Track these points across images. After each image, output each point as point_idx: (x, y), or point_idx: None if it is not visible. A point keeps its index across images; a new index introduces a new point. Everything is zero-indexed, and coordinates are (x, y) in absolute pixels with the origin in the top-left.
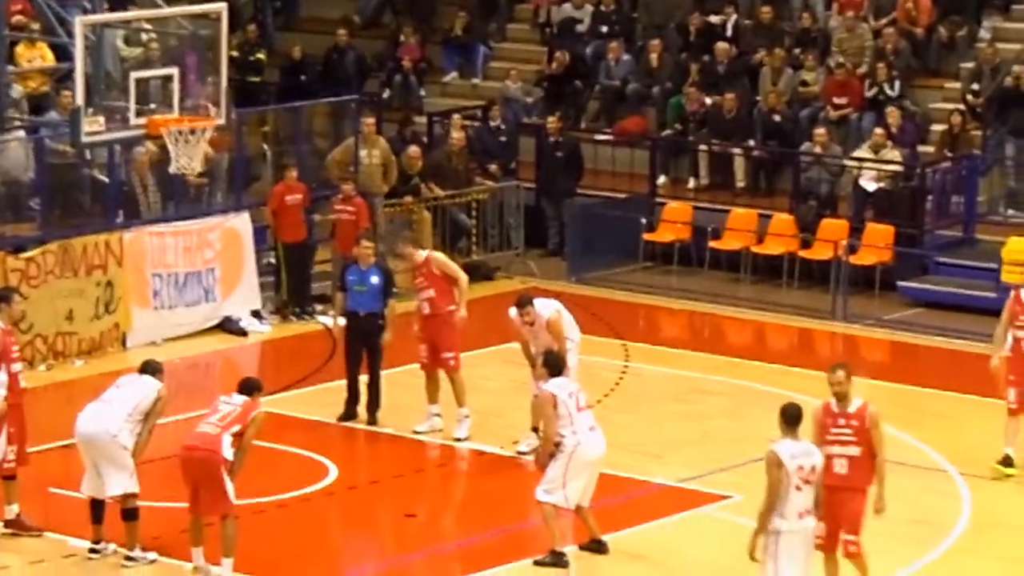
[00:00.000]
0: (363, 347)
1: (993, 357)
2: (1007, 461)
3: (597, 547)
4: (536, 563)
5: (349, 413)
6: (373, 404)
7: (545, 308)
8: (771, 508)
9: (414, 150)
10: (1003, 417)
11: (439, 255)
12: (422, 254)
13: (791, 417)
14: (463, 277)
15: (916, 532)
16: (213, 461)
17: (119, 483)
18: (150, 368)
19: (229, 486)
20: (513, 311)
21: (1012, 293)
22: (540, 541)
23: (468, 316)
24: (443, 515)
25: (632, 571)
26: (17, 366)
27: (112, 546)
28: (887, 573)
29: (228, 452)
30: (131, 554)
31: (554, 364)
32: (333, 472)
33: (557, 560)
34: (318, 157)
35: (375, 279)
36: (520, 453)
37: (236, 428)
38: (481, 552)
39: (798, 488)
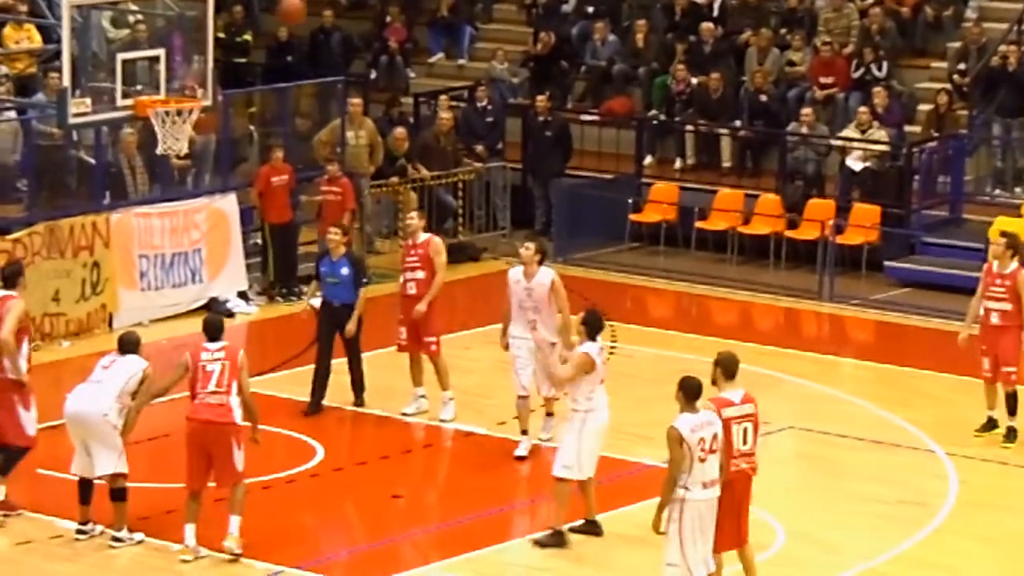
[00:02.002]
0: (336, 337)
1: (962, 331)
2: (991, 424)
3: (591, 528)
4: (536, 543)
5: (315, 407)
6: (358, 386)
7: (547, 273)
8: (673, 482)
9: (400, 132)
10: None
11: (440, 242)
12: (424, 234)
13: (691, 390)
14: (442, 275)
15: (903, 512)
16: (227, 432)
17: (108, 463)
18: (129, 344)
19: (239, 455)
20: (513, 272)
21: (984, 266)
22: (528, 521)
23: (455, 298)
24: (430, 496)
25: (621, 551)
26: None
27: (99, 527)
28: (873, 553)
29: (239, 418)
30: (118, 535)
31: (594, 324)
32: (320, 453)
33: (558, 540)
34: (304, 138)
35: (345, 270)
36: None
37: (235, 386)
38: (468, 533)
39: (701, 460)
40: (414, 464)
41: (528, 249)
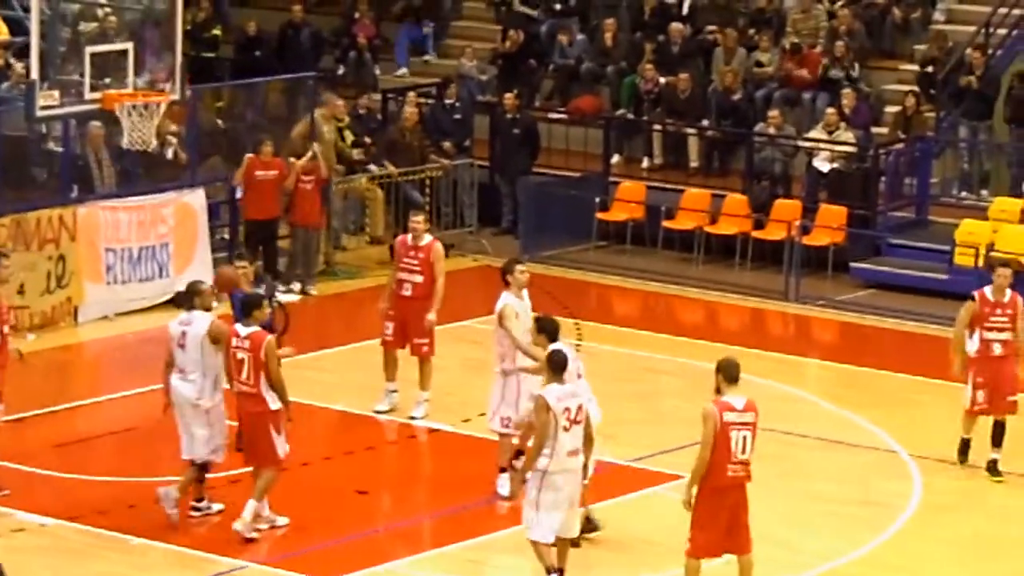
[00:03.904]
0: None
1: (955, 364)
2: (967, 446)
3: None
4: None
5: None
6: None
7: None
8: (539, 449)
9: (338, 102)
10: (955, 401)
11: (441, 248)
12: (429, 237)
13: (557, 364)
14: (443, 281)
15: (866, 513)
16: (262, 420)
17: (199, 448)
18: (188, 296)
19: (278, 440)
20: (511, 299)
21: (976, 295)
22: (489, 520)
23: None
24: (395, 492)
25: (584, 550)
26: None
27: (216, 506)
28: (835, 554)
29: (273, 404)
30: (197, 504)
31: (551, 329)
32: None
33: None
34: (272, 134)
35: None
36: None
37: (263, 376)
38: (434, 529)
39: (565, 429)
40: (379, 460)
41: (524, 273)
